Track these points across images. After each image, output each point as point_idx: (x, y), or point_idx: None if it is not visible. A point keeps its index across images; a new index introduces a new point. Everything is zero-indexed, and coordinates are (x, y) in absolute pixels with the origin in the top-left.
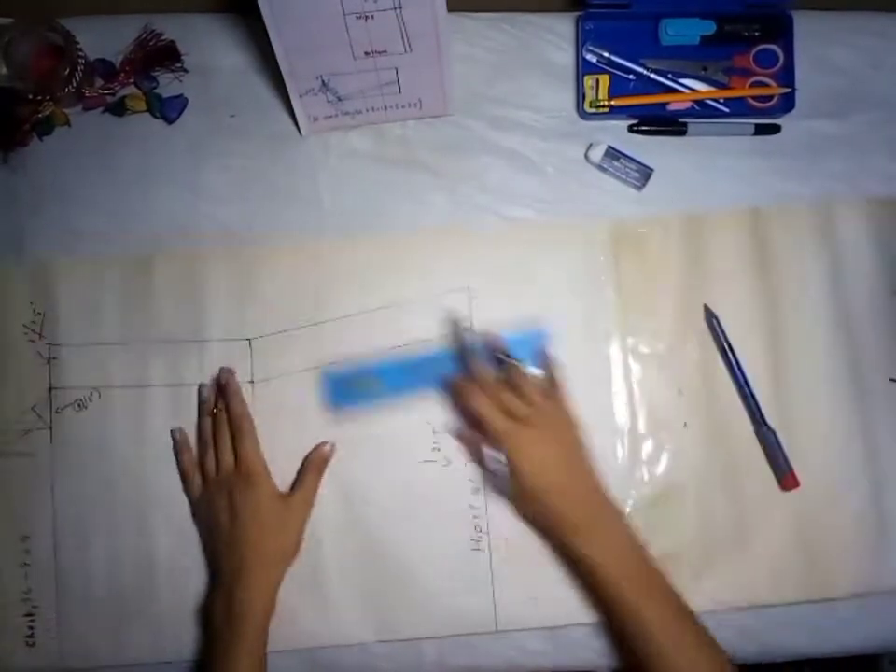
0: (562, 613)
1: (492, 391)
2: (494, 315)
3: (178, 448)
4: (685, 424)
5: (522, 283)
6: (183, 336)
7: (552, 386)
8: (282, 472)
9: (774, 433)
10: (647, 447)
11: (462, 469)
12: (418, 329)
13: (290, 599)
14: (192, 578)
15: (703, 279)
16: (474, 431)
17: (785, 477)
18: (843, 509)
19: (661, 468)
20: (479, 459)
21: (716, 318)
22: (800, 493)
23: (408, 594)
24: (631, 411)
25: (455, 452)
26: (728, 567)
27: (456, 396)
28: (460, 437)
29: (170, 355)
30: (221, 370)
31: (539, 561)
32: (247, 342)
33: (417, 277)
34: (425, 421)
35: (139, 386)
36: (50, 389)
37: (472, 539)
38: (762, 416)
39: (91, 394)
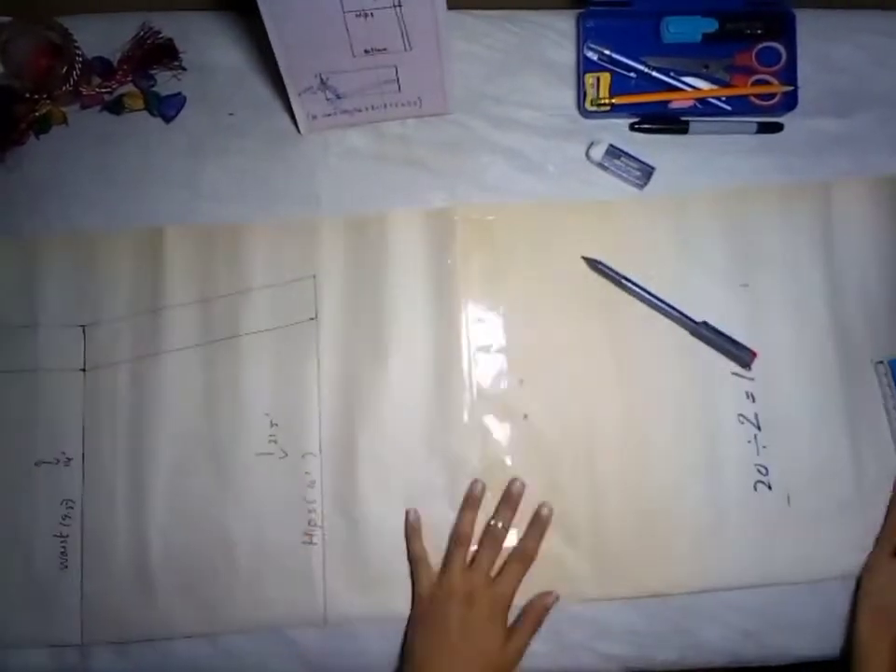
0: (395, 605)
1: None
2: (341, 304)
3: (410, 532)
4: (525, 415)
5: (369, 271)
6: (13, 321)
7: None
8: (108, 467)
9: (707, 323)
10: (496, 436)
11: (299, 462)
12: (258, 319)
13: (116, 591)
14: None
15: (547, 269)
16: None
17: (743, 355)
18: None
19: (507, 458)
20: None
21: (600, 262)
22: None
23: (236, 586)
24: (473, 400)
25: (293, 444)
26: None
27: None
28: None
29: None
30: (514, 480)
31: (373, 555)
32: (81, 328)
33: (260, 266)
34: (263, 413)
35: None
36: None
37: (305, 533)
38: (688, 317)
39: None
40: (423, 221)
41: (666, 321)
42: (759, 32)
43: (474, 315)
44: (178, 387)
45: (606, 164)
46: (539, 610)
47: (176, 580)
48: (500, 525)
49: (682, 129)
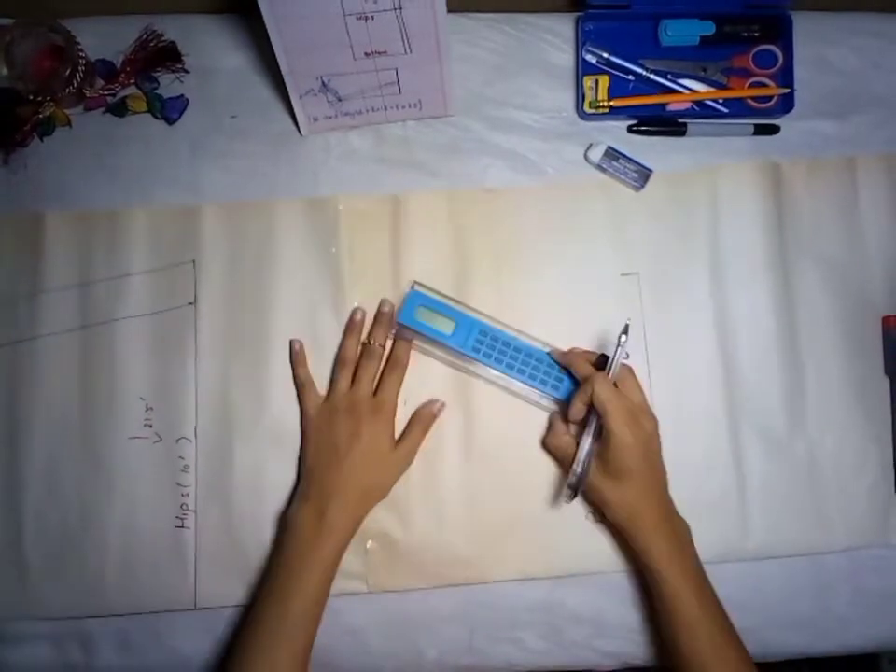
0: None
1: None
2: (221, 289)
3: (295, 359)
4: (405, 401)
5: (251, 258)
6: None
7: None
8: None
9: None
10: None
11: (173, 447)
12: (136, 303)
13: None
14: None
15: (432, 258)
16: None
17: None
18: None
19: None
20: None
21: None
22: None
23: (107, 569)
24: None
25: (168, 428)
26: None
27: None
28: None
29: None
30: (385, 302)
31: (246, 541)
32: None
33: (139, 250)
34: (138, 397)
35: None
36: None
37: (177, 517)
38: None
39: None
40: (306, 209)
41: (550, 314)
42: (756, 34)
43: (358, 303)
44: (55, 371)
45: (604, 166)
46: (425, 417)
47: (48, 560)
48: (375, 343)
49: (680, 131)
